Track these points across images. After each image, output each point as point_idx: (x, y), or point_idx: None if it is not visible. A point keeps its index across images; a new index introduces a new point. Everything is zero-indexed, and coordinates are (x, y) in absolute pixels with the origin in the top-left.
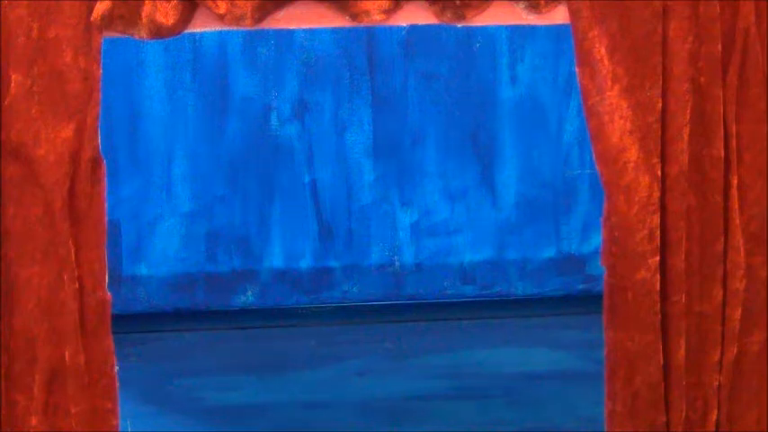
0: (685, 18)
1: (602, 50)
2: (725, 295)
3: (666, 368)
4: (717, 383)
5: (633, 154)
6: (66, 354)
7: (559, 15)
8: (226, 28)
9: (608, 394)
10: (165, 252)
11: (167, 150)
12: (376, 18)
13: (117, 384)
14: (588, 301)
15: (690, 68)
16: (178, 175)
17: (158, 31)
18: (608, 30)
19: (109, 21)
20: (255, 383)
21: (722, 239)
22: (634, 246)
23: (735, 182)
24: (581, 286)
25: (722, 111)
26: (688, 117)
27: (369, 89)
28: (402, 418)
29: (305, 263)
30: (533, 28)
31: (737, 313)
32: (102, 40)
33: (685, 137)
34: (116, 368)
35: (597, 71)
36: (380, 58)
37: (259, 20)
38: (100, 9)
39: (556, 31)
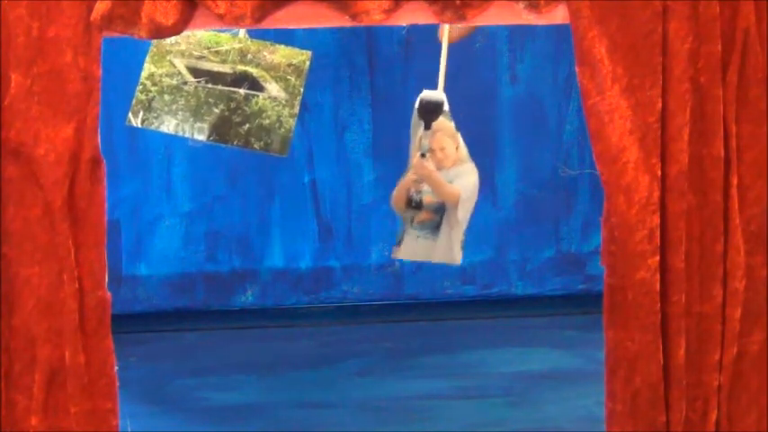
0: (685, 18)
1: (602, 50)
2: (725, 295)
3: (666, 368)
4: (717, 383)
5: (633, 154)
6: (66, 354)
7: (559, 15)
8: (226, 28)
9: (608, 394)
10: (165, 252)
11: (167, 150)
12: (376, 18)
13: (117, 384)
14: (588, 301)
15: (690, 68)
16: (178, 175)
17: (158, 31)
18: (608, 30)
19: (109, 21)
20: (255, 383)
21: (722, 239)
22: (634, 246)
23: (735, 182)
24: (581, 286)
25: (722, 111)
26: (688, 117)
27: (369, 89)
28: (402, 417)
29: (305, 263)
30: (533, 28)
31: (737, 313)
32: (102, 40)
33: (685, 137)
34: (116, 368)
35: (597, 71)
36: (380, 58)
37: (259, 20)
38: (100, 9)
39: (556, 31)
